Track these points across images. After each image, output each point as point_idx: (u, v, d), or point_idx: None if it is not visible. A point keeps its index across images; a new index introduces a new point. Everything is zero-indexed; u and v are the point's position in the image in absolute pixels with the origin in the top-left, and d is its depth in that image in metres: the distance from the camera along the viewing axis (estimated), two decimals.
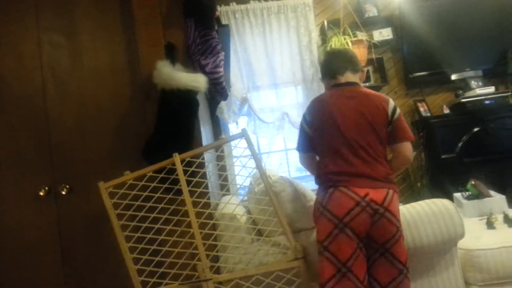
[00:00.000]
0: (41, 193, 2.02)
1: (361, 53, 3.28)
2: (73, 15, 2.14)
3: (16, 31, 2.11)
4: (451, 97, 3.64)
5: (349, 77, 1.78)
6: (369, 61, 3.48)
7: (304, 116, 1.80)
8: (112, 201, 1.83)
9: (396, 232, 1.55)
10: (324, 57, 1.90)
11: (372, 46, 3.46)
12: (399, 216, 1.59)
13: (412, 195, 3.47)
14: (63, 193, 2.03)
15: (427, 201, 1.89)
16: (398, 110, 1.70)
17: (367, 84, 3.54)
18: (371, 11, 3.56)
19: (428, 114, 3.55)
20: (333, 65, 1.81)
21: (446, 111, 3.56)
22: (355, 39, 3.29)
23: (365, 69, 1.76)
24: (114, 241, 1.79)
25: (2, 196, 2.04)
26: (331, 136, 1.66)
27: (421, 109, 3.57)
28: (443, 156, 3.27)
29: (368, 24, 3.56)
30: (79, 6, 2.14)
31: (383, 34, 3.57)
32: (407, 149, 1.70)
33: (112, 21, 2.14)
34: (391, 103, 1.71)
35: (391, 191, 1.58)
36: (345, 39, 3.28)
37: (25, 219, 2.04)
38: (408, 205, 1.90)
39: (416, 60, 3.56)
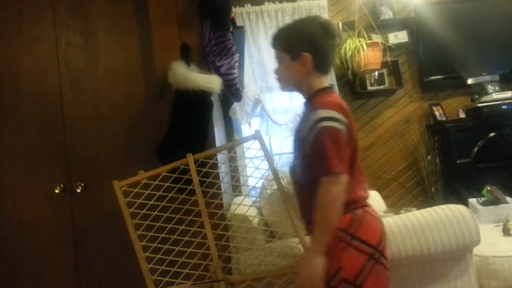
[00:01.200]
0: (56, 191, 2.04)
1: (376, 56, 3.26)
2: (88, 14, 2.16)
3: (33, 30, 2.13)
4: (467, 101, 3.60)
5: None
6: (384, 64, 3.46)
7: (340, 121, 1.25)
8: (126, 200, 1.84)
9: None
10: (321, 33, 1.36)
11: (387, 49, 3.44)
12: None
13: (426, 199, 3.44)
14: (78, 191, 2.05)
15: (442, 206, 1.87)
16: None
17: (381, 87, 3.52)
18: (387, 14, 3.54)
19: (444, 118, 3.51)
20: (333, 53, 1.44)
21: (462, 115, 3.52)
22: (370, 41, 3.27)
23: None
24: (127, 239, 1.80)
25: (17, 193, 2.07)
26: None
27: (436, 113, 3.53)
28: (458, 161, 3.23)
29: (384, 27, 3.53)
30: (95, 5, 2.16)
31: (399, 36, 3.55)
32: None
33: (128, 21, 2.16)
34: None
35: None
36: (360, 41, 3.26)
37: (40, 216, 2.07)
38: (422, 210, 1.87)
39: (432, 64, 3.53)
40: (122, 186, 1.85)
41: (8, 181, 2.06)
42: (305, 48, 1.35)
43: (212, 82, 1.95)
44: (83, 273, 2.06)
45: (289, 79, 1.45)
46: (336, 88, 2.91)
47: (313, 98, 1.38)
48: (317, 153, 1.24)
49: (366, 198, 1.39)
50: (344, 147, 1.24)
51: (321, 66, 1.38)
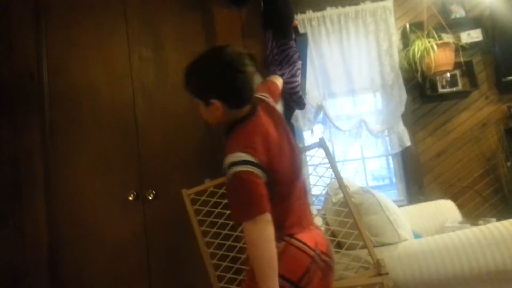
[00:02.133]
0: (130, 198, 2.16)
1: (447, 57, 3.08)
2: (158, 27, 2.26)
3: (108, 45, 2.28)
4: None
5: None
6: (457, 65, 3.25)
7: (250, 162, 1.21)
8: (194, 207, 1.90)
9: None
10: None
11: (460, 49, 3.23)
12: None
13: (506, 209, 3.17)
14: (150, 198, 2.16)
15: None
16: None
17: (454, 89, 3.32)
18: (458, 12, 3.34)
19: None
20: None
21: None
22: (441, 42, 3.10)
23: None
24: (196, 245, 1.85)
25: (94, 200, 2.21)
26: None
27: None
28: None
29: (455, 26, 3.33)
30: (164, 18, 2.26)
31: (472, 35, 3.33)
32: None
33: (195, 34, 2.23)
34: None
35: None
36: (429, 42, 3.10)
37: (115, 221, 2.19)
38: (504, 222, 1.73)
39: (510, 63, 3.26)
40: (190, 194, 1.92)
41: (87, 187, 2.22)
42: (212, 94, 1.28)
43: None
44: (154, 276, 2.15)
45: (210, 121, 1.39)
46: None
47: (229, 135, 1.32)
48: (231, 200, 1.23)
49: (296, 224, 1.30)
50: (258, 187, 1.18)
51: (237, 104, 1.30)
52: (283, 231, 1.27)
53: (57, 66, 2.29)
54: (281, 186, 1.28)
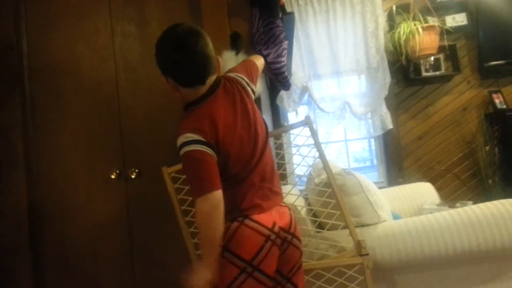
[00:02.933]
0: (113, 176, 2.14)
1: (432, 40, 3.09)
2: (142, 4, 2.21)
3: (90, 21, 2.22)
4: None
5: None
6: (441, 48, 3.28)
7: (199, 141, 1.27)
8: (175, 186, 1.89)
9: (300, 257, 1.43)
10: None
11: (445, 32, 3.24)
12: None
13: (483, 192, 3.27)
14: (133, 176, 2.14)
15: (503, 201, 1.76)
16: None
17: (437, 73, 3.35)
18: None
19: (504, 107, 3.29)
20: None
21: None
22: (426, 25, 3.10)
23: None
24: (177, 222, 1.86)
25: (75, 178, 2.19)
26: None
27: (496, 101, 3.32)
28: None
29: (440, 9, 3.34)
30: None
31: (457, 19, 3.34)
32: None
33: (180, 10, 2.19)
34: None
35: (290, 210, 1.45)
36: (415, 25, 3.10)
37: (97, 200, 2.18)
38: (481, 205, 1.78)
39: (493, 48, 3.31)
40: (170, 172, 1.91)
41: (68, 165, 2.19)
42: (163, 71, 1.33)
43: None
44: (136, 254, 2.16)
45: (175, 97, 1.42)
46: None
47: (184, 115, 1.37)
48: (187, 179, 1.28)
49: (254, 206, 1.32)
50: (208, 165, 1.23)
51: (185, 83, 1.32)
52: (238, 212, 1.31)
53: (37, 39, 2.22)
54: (236, 170, 1.32)
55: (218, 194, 1.21)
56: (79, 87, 2.20)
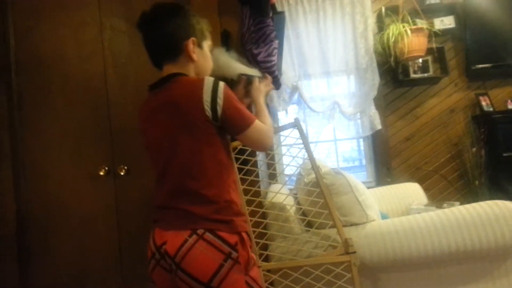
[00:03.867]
0: (101, 173, 2.12)
1: (420, 42, 3.12)
2: (132, 0, 2.19)
3: (79, 15, 2.19)
4: None
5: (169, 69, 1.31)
6: (429, 51, 3.31)
7: None
8: None
9: None
10: None
11: (433, 34, 3.28)
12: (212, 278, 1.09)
13: (469, 193, 3.31)
14: (121, 173, 2.12)
15: (489, 202, 1.79)
16: (219, 86, 1.20)
17: (425, 74, 3.39)
18: None
19: (491, 109, 3.34)
20: None
21: (510, 106, 3.34)
22: (415, 27, 3.13)
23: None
24: None
25: (64, 174, 2.16)
26: None
27: (483, 103, 3.36)
28: (504, 154, 3.09)
29: (429, 12, 3.38)
30: None
31: (445, 22, 3.39)
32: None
33: None
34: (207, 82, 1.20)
35: (194, 236, 1.11)
36: (404, 26, 3.13)
37: (85, 196, 2.16)
38: (467, 205, 1.80)
39: (480, 51, 3.35)
40: None
41: (56, 161, 2.16)
42: None
43: (253, 73, 1.93)
44: (124, 250, 2.14)
45: None
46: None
47: None
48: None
49: (158, 209, 1.30)
50: None
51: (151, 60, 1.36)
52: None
53: (24, 32, 2.18)
54: (153, 165, 1.33)
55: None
56: (66, 82, 2.18)
